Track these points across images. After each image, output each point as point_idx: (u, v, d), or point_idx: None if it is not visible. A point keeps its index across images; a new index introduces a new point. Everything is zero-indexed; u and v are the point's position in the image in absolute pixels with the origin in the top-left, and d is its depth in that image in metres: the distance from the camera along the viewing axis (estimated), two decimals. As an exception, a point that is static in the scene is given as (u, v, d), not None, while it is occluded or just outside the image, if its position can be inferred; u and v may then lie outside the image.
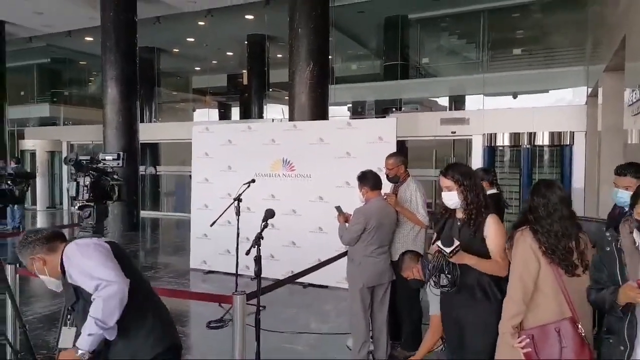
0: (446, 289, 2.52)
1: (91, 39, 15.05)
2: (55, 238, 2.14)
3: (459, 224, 2.65)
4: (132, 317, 2.05)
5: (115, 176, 2.58)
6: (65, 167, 15.78)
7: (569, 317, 2.21)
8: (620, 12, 5.49)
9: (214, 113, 20.34)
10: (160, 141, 15.01)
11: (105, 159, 2.61)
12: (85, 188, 2.37)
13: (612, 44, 5.90)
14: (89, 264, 2.00)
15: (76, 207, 2.44)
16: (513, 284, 2.31)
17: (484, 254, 2.51)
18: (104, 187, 2.50)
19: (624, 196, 2.85)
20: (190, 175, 7.65)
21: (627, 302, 1.93)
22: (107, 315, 1.91)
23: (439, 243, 2.38)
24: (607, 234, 2.12)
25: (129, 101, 10.83)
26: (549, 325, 2.21)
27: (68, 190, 2.42)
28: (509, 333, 2.27)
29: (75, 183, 2.40)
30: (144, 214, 12.85)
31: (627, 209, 2.71)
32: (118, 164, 2.63)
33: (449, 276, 2.47)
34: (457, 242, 2.36)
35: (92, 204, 2.42)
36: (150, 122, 16.33)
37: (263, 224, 2.76)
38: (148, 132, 13.40)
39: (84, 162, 2.40)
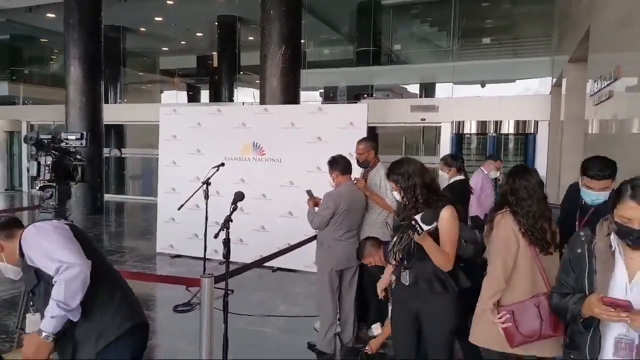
0: (402, 264, 2.51)
1: (53, 15, 14.42)
2: (12, 224, 2.12)
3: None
4: (97, 298, 2.02)
5: (78, 156, 2.50)
6: (25, 149, 15.19)
7: (544, 292, 2.34)
8: (585, 5, 5.64)
9: (183, 95, 19.91)
10: (126, 123, 14.62)
11: (67, 139, 2.52)
12: (46, 168, 2.28)
13: (576, 36, 6.06)
14: (49, 247, 1.96)
15: (37, 188, 2.35)
16: (495, 264, 2.44)
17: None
18: (67, 167, 2.41)
19: (601, 198, 2.69)
20: (157, 158, 7.50)
21: (591, 315, 1.73)
22: (69, 297, 1.88)
23: (418, 217, 2.35)
24: (582, 233, 1.90)
25: (93, 81, 10.48)
26: (527, 301, 2.36)
27: (29, 170, 2.33)
28: (489, 310, 2.41)
29: (36, 162, 2.31)
30: (108, 197, 12.55)
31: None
32: (81, 143, 2.55)
33: (406, 253, 2.46)
34: (435, 224, 2.37)
35: (54, 184, 2.34)
36: (116, 103, 15.86)
37: (232, 206, 2.73)
38: (113, 113, 13.02)
39: (45, 141, 2.31)
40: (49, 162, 2.31)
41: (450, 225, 2.49)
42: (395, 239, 2.51)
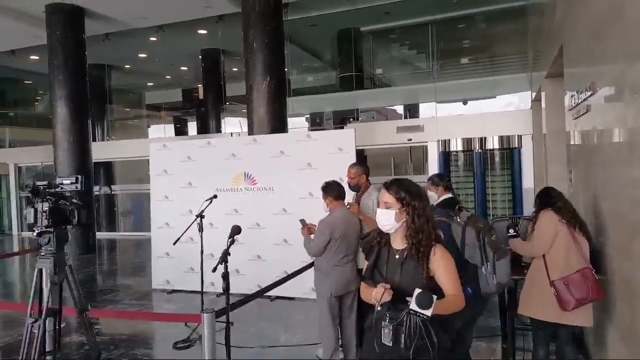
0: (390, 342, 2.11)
1: (37, 57, 14.54)
2: None
3: (397, 256, 2.20)
4: None
5: (74, 200, 2.53)
6: (14, 192, 15.10)
7: (585, 267, 3.08)
8: (557, 22, 5.84)
9: (170, 128, 20.00)
10: (115, 159, 14.63)
11: (62, 183, 2.56)
12: (43, 214, 2.31)
13: (551, 52, 6.24)
14: None
15: (35, 234, 2.37)
16: (538, 241, 3.32)
17: (434, 292, 2.03)
18: (63, 211, 2.44)
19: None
20: (147, 193, 7.51)
21: None
22: None
23: (414, 307, 1.95)
24: None
25: (80, 121, 10.56)
26: (574, 274, 3.09)
27: (26, 218, 2.35)
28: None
29: (32, 209, 2.34)
30: (99, 235, 12.45)
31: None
32: (76, 187, 2.58)
33: (411, 338, 2.05)
34: (434, 298, 1.95)
35: (51, 229, 2.36)
36: (103, 140, 15.89)
37: (230, 240, 2.76)
38: (101, 150, 13.06)
39: (42, 187, 2.35)
40: (46, 208, 2.34)
41: (447, 265, 2.14)
42: (390, 325, 2.10)
